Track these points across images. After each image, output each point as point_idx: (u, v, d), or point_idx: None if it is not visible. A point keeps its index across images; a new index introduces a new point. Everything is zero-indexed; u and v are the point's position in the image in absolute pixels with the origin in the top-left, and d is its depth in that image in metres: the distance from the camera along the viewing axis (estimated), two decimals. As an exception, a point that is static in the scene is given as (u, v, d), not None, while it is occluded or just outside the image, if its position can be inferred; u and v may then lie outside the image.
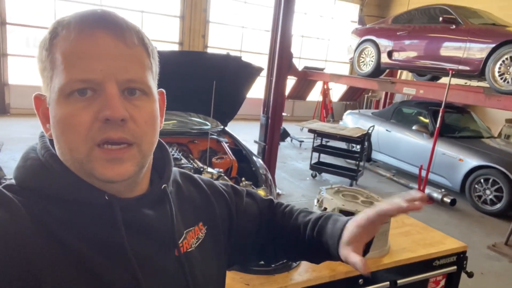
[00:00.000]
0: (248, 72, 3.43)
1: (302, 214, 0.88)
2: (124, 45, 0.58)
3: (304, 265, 1.46)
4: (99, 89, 0.57)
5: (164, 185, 0.69)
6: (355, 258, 0.69)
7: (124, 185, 0.62)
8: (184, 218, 0.74)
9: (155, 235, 0.65)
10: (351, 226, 0.75)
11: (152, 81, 0.64)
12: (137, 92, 0.60)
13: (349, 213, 1.52)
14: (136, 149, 0.60)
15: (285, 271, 1.39)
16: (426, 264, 1.67)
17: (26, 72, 8.47)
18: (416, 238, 1.79)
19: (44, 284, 0.52)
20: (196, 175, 0.85)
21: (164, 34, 10.00)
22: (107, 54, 0.57)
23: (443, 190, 5.37)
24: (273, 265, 1.38)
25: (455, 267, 1.76)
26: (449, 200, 5.17)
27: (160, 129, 0.66)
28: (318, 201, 1.67)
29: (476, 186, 5.27)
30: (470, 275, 1.77)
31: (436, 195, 5.31)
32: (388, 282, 1.56)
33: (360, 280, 1.48)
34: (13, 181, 0.61)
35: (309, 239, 0.82)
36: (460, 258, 1.77)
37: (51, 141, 0.63)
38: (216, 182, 0.87)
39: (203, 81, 3.23)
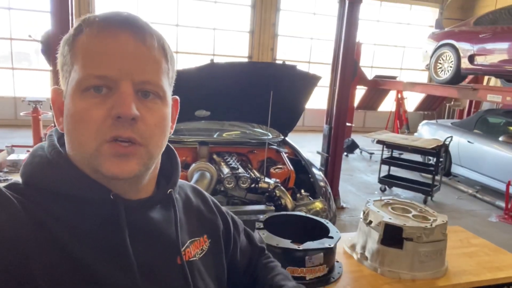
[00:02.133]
0: (305, 81, 3.38)
1: (280, 277, 0.86)
2: (144, 47, 0.60)
3: (344, 280, 1.36)
4: (114, 87, 0.58)
5: (170, 190, 0.70)
6: None
7: (129, 184, 0.63)
8: (190, 228, 0.74)
9: (158, 239, 0.65)
10: None
11: (168, 86, 0.65)
12: (150, 94, 0.61)
13: (396, 228, 1.39)
14: (143, 150, 0.60)
15: (320, 286, 1.30)
16: (493, 291, 1.44)
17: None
18: (482, 261, 1.57)
19: (39, 281, 0.53)
20: (207, 194, 0.85)
21: (234, 49, 10.36)
22: (126, 53, 0.58)
23: (536, 209, 4.70)
24: (308, 279, 1.30)
25: (531, 297, 1.50)
26: (544, 222, 4.51)
27: (170, 134, 0.67)
28: (364, 213, 1.56)
29: None
30: (552, 308, 1.49)
31: (528, 215, 4.66)
32: (443, 308, 1.38)
33: (408, 303, 1.33)
34: (19, 178, 0.63)
35: None
36: (538, 287, 1.50)
37: (59, 140, 0.66)
38: (224, 208, 0.88)
39: (260, 91, 3.25)
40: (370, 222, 1.47)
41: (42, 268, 0.53)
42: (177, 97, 0.71)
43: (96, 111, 0.57)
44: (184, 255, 0.68)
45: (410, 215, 1.50)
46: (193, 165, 3.09)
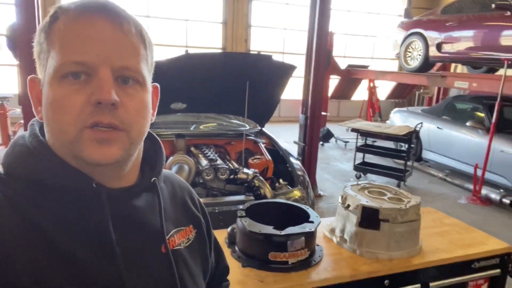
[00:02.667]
0: (280, 71, 3.40)
1: None
2: (121, 32, 0.59)
3: (324, 263, 1.40)
4: (93, 74, 0.57)
5: (154, 178, 0.69)
6: None
7: (111, 171, 0.62)
8: (175, 217, 0.73)
9: (142, 227, 0.65)
10: None
11: (147, 72, 0.64)
12: (130, 80, 0.60)
13: (372, 210, 1.45)
14: (125, 135, 0.60)
15: (302, 269, 1.34)
16: (464, 267, 1.53)
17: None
18: (453, 239, 1.66)
19: (21, 275, 0.52)
20: (194, 192, 0.85)
21: (207, 41, 10.25)
22: (104, 39, 0.57)
23: (501, 190, 4.95)
24: (290, 263, 1.34)
25: (498, 270, 1.60)
26: (508, 201, 4.75)
27: (151, 122, 0.66)
28: (342, 197, 1.61)
29: (541, 185, 4.78)
30: (517, 279, 1.60)
31: (494, 195, 4.90)
32: (419, 285, 1.45)
33: (385, 281, 1.39)
34: (0, 168, 0.62)
35: None
36: (504, 260, 1.60)
37: (40, 129, 0.65)
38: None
39: (236, 82, 3.25)
40: (348, 206, 1.52)
41: (25, 257, 0.53)
42: (157, 85, 0.71)
43: (75, 98, 0.56)
44: (169, 243, 0.68)
45: (385, 197, 1.57)
46: (171, 158, 3.07)
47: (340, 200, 1.61)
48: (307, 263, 1.36)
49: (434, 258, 1.49)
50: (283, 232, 1.31)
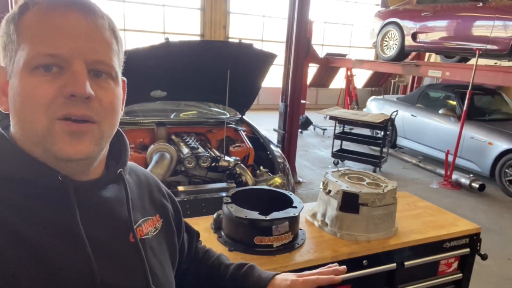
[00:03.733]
0: (261, 60, 3.42)
1: (223, 257, 0.98)
2: (95, 27, 0.59)
3: (307, 245, 1.47)
4: (65, 66, 0.57)
5: (120, 170, 0.69)
6: None
7: (81, 166, 0.62)
8: (142, 207, 0.74)
9: (110, 218, 0.65)
10: (283, 284, 0.86)
11: (118, 67, 0.65)
12: (103, 74, 0.61)
13: (352, 195, 1.51)
14: (96, 128, 0.59)
15: (286, 252, 1.40)
16: (436, 246, 1.63)
17: None
18: (426, 221, 1.75)
19: None
20: (158, 180, 0.87)
21: (185, 27, 10.10)
22: (78, 32, 0.57)
23: (471, 175, 5.19)
24: (275, 247, 1.39)
25: (467, 249, 1.71)
26: (477, 186, 4.99)
27: (120, 116, 0.66)
28: (323, 183, 1.67)
29: (507, 170, 5.05)
30: (483, 257, 1.71)
31: (464, 180, 5.14)
32: (394, 264, 1.54)
33: (364, 261, 1.47)
34: None
35: (229, 279, 0.91)
36: (473, 240, 1.71)
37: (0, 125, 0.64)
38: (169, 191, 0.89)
39: (217, 71, 3.26)
40: (329, 191, 1.59)
41: None
42: (125, 79, 0.70)
43: (46, 89, 0.56)
44: (137, 233, 0.68)
45: (364, 183, 1.64)
46: (152, 146, 3.07)
47: (321, 186, 1.68)
48: (290, 246, 1.42)
49: (409, 239, 1.58)
50: (268, 217, 1.36)
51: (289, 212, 1.42)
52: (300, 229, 1.55)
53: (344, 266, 0.89)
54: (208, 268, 0.95)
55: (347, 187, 1.55)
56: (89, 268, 0.58)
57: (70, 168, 0.61)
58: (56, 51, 0.56)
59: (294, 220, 1.43)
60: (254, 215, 1.38)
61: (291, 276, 0.87)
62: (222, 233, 1.46)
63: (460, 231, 1.68)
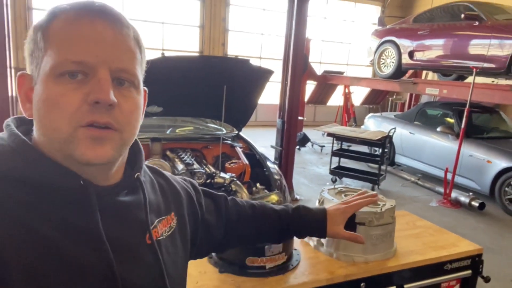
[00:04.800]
0: (258, 76, 3.41)
1: (265, 207, 1.05)
2: (121, 36, 0.61)
3: (302, 267, 1.40)
4: (90, 74, 0.58)
5: (137, 174, 0.71)
6: (351, 233, 1.13)
7: (100, 170, 0.63)
8: (157, 207, 0.75)
9: (128, 221, 0.67)
10: (339, 214, 1.12)
11: (141, 76, 0.66)
12: (126, 83, 0.62)
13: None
14: (118, 135, 0.61)
15: (280, 274, 1.33)
16: (437, 268, 1.56)
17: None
18: (426, 241, 1.69)
19: (12, 269, 0.52)
20: (162, 170, 0.87)
21: (184, 44, 10.18)
22: (104, 40, 0.59)
23: (471, 193, 5.13)
24: (267, 268, 1.33)
25: (469, 271, 1.64)
26: (477, 204, 4.92)
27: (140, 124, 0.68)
28: (319, 201, 1.61)
29: (507, 189, 4.99)
30: (486, 279, 1.64)
31: (464, 199, 5.07)
32: (394, 287, 1.47)
33: (362, 284, 1.40)
34: None
35: (287, 223, 1.04)
36: (475, 262, 1.65)
37: (17, 129, 0.64)
38: (179, 178, 0.91)
39: (214, 86, 3.23)
40: (325, 209, 1.53)
41: (14, 252, 0.53)
42: (146, 89, 0.72)
43: (71, 96, 0.57)
44: (153, 234, 0.70)
45: (361, 201, 1.58)
46: (146, 162, 3.01)
47: (317, 204, 1.62)
48: (284, 268, 1.36)
49: (409, 261, 1.51)
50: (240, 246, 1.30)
51: (283, 232, 1.35)
52: (295, 249, 1.48)
53: (375, 192, 1.14)
54: (255, 224, 1.02)
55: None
56: (110, 270, 0.60)
57: (90, 173, 0.62)
58: (83, 58, 0.57)
59: (287, 241, 1.37)
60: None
61: (339, 205, 1.12)
62: (213, 253, 1.39)
63: (461, 252, 1.61)
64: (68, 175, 0.60)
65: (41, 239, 0.55)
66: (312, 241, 1.58)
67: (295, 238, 1.45)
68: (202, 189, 0.96)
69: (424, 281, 1.53)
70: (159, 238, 0.72)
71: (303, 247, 1.57)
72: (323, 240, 1.53)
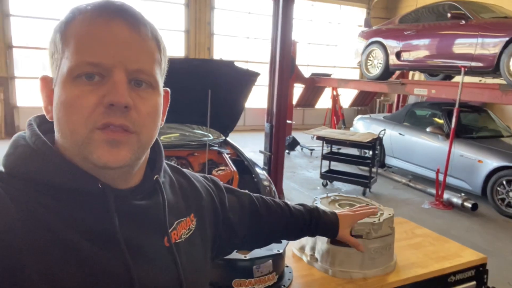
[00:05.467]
0: (244, 78, 3.28)
1: (291, 204, 1.09)
2: (138, 36, 0.59)
3: (295, 286, 1.27)
4: (107, 75, 0.57)
5: (156, 176, 0.70)
6: (355, 239, 1.17)
7: (119, 174, 0.62)
8: (177, 209, 0.74)
9: (146, 224, 0.66)
10: (349, 218, 1.17)
11: (160, 77, 0.64)
12: (143, 84, 0.60)
13: (345, 226, 1.33)
14: (135, 138, 0.60)
15: (271, 296, 1.20)
16: (440, 281, 1.44)
17: (34, 94, 8.60)
18: (427, 251, 1.57)
19: (29, 271, 0.51)
20: (183, 169, 0.85)
21: (170, 49, 9.96)
22: (120, 41, 0.58)
23: (463, 194, 5.06)
24: (256, 290, 1.19)
25: (474, 282, 1.53)
26: (470, 205, 4.86)
27: (161, 126, 0.67)
28: (311, 212, 1.48)
29: (499, 188, 4.94)
30: (492, 291, 1.54)
31: (456, 200, 5.01)
32: (395, 304, 1.35)
33: (361, 303, 1.28)
34: (2, 168, 0.60)
35: (307, 223, 1.07)
36: (479, 272, 1.54)
37: (39, 128, 0.64)
38: (200, 176, 0.89)
39: (198, 90, 3.10)
40: (319, 221, 1.40)
41: (32, 254, 0.52)
42: (168, 89, 0.72)
43: (88, 98, 0.56)
44: (172, 237, 0.69)
45: (357, 211, 1.46)
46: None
47: (309, 215, 1.49)
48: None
49: (410, 275, 1.39)
50: (248, 256, 1.17)
51: (273, 249, 1.22)
52: (287, 267, 1.35)
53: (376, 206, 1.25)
54: (280, 222, 1.03)
55: (338, 216, 1.37)
56: (128, 273, 0.59)
57: (109, 176, 0.61)
58: (98, 60, 0.56)
59: (278, 258, 1.23)
60: (232, 253, 1.17)
61: (347, 212, 1.18)
62: (195, 275, 1.25)
63: (465, 263, 1.50)
64: (86, 178, 0.60)
65: (60, 242, 0.55)
66: (306, 256, 1.44)
67: (286, 254, 1.32)
68: (226, 186, 0.95)
69: (427, 296, 1.42)
70: (178, 241, 0.71)
71: (295, 263, 1.43)
72: (317, 255, 1.40)
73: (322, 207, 1.43)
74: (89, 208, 0.59)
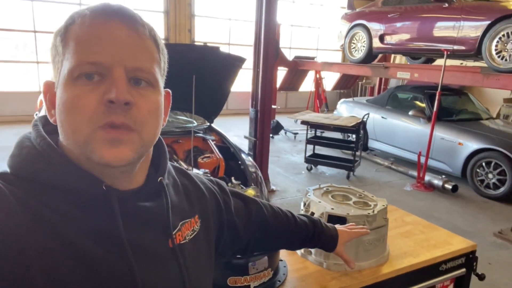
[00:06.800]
0: (229, 64, 3.20)
1: (297, 216, 1.08)
2: (136, 35, 0.60)
3: (290, 282, 1.26)
4: (107, 74, 0.57)
5: (160, 178, 0.70)
6: (348, 257, 1.15)
7: (121, 172, 0.62)
8: (181, 210, 0.74)
9: (150, 226, 0.66)
10: (346, 235, 1.16)
11: (160, 76, 0.64)
12: (143, 82, 0.61)
13: (339, 218, 1.32)
14: (136, 136, 0.59)
15: (266, 292, 1.18)
16: (432, 270, 1.46)
17: (10, 79, 8.25)
18: (418, 239, 1.59)
19: (34, 272, 0.51)
20: (188, 171, 0.85)
21: (149, 31, 9.71)
22: (119, 40, 0.58)
23: (443, 176, 5.18)
24: (252, 287, 1.17)
25: (464, 269, 1.56)
26: (450, 187, 4.98)
27: (163, 126, 0.66)
28: (304, 204, 1.46)
29: (478, 170, 5.07)
30: (481, 277, 1.57)
31: (437, 181, 5.12)
32: (389, 294, 1.35)
33: (356, 296, 1.27)
34: (7, 169, 0.61)
35: (310, 235, 1.07)
36: (469, 259, 1.57)
37: (44, 128, 0.65)
38: (205, 178, 0.88)
39: (182, 76, 2.99)
40: (312, 213, 1.38)
41: (37, 255, 0.52)
42: (169, 91, 0.72)
43: (88, 98, 0.57)
44: (176, 238, 0.69)
45: (351, 202, 1.45)
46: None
47: (302, 207, 1.47)
48: (271, 285, 1.21)
49: (403, 265, 1.40)
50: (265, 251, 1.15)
51: (268, 245, 1.19)
52: (281, 260, 1.33)
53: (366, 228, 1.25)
54: (285, 232, 1.03)
55: (332, 208, 1.35)
56: (132, 275, 0.60)
57: (113, 175, 0.62)
58: (98, 59, 0.57)
59: (273, 254, 1.21)
60: (227, 251, 1.14)
61: (346, 228, 1.18)
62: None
63: (456, 251, 1.52)
64: (90, 180, 0.60)
65: (65, 244, 0.55)
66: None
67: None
68: (233, 191, 0.95)
69: (419, 284, 1.43)
70: (182, 242, 0.71)
71: (289, 256, 1.42)
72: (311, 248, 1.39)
73: (315, 199, 1.42)
74: (94, 210, 0.60)
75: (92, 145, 0.57)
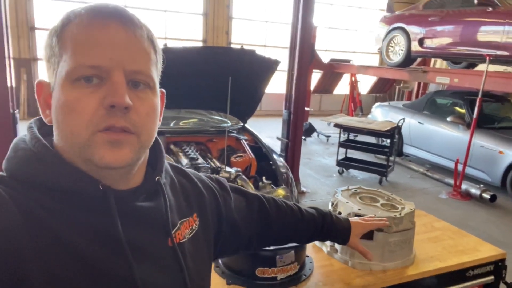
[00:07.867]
0: (264, 66, 3.28)
1: (304, 208, 1.08)
2: (134, 37, 0.60)
3: (315, 276, 1.31)
4: (106, 77, 0.58)
5: (157, 177, 0.70)
6: (364, 248, 1.15)
7: (120, 174, 0.63)
8: (179, 209, 0.74)
9: (149, 225, 0.66)
10: (360, 226, 1.16)
11: (156, 77, 0.65)
12: (141, 85, 0.61)
13: (366, 219, 1.36)
14: (135, 138, 0.60)
15: (292, 285, 1.24)
16: (458, 275, 1.47)
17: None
18: (446, 245, 1.59)
19: (31, 273, 0.52)
20: (186, 169, 0.85)
21: (187, 33, 10.00)
22: (117, 43, 0.58)
23: (482, 185, 5.00)
24: (279, 279, 1.24)
25: (492, 277, 1.55)
26: (488, 196, 4.81)
27: (158, 127, 0.67)
28: (332, 204, 1.51)
29: (519, 180, 4.85)
30: (510, 286, 1.55)
31: (474, 190, 4.95)
32: (413, 296, 1.38)
33: (380, 294, 1.31)
34: (3, 172, 0.61)
35: (319, 228, 1.07)
36: (498, 267, 1.55)
37: (39, 131, 0.65)
38: (203, 175, 0.89)
39: (218, 78, 3.12)
40: (340, 213, 1.43)
41: (34, 256, 0.53)
42: (164, 90, 0.71)
43: (88, 101, 0.57)
44: (175, 237, 0.70)
45: (378, 204, 1.48)
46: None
47: (330, 207, 1.52)
48: (297, 278, 1.27)
49: (429, 268, 1.41)
50: (271, 247, 1.21)
51: (295, 240, 1.25)
52: (307, 256, 1.39)
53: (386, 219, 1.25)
54: (291, 226, 1.03)
55: (359, 209, 1.40)
56: (130, 274, 0.60)
57: (110, 177, 0.62)
58: (97, 62, 0.57)
59: (300, 249, 1.27)
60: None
61: (360, 220, 1.18)
62: (220, 262, 1.30)
63: (484, 258, 1.51)
64: (87, 180, 0.60)
65: (63, 245, 0.55)
66: (326, 247, 1.48)
67: (307, 245, 1.36)
68: (234, 187, 0.95)
69: (445, 289, 1.44)
70: (181, 241, 0.71)
71: (315, 253, 1.47)
72: (337, 246, 1.44)
73: (343, 199, 1.46)
74: (91, 210, 0.60)
75: (92, 148, 0.58)
